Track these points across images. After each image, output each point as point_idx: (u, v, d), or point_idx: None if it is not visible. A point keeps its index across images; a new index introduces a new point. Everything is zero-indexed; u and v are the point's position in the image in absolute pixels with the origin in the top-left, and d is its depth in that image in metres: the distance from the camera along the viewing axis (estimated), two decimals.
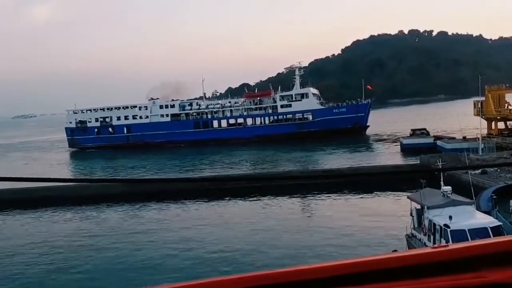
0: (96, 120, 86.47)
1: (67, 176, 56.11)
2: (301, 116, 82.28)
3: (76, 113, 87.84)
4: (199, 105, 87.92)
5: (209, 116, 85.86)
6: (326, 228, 27.40)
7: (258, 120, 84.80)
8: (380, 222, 27.27)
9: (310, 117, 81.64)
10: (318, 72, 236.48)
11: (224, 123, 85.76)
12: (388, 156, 55.89)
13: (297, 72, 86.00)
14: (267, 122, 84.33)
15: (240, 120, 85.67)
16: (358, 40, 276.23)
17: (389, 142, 69.77)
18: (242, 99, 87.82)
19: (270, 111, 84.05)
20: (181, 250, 24.91)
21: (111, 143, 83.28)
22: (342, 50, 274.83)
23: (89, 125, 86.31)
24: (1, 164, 74.78)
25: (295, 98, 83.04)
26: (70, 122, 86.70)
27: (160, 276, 20.89)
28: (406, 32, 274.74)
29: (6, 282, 21.93)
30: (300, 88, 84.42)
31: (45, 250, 26.35)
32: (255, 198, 36.42)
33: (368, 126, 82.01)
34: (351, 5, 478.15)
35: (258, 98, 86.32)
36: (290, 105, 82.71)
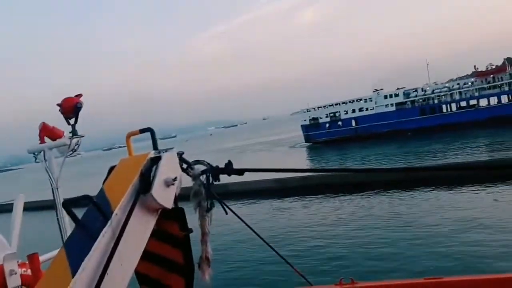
0: (326, 116, 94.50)
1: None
2: None
3: (309, 111, 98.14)
4: (425, 91, 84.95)
5: (436, 101, 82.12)
6: None
7: (493, 100, 76.22)
8: None
9: None
10: None
11: (453, 106, 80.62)
12: None
13: None
14: (504, 101, 74.91)
15: (472, 102, 78.75)
16: None
17: None
18: (473, 79, 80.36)
19: (506, 88, 74.38)
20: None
21: (341, 136, 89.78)
22: None
23: (320, 121, 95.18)
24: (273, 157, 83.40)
25: None
26: (305, 120, 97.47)
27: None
28: None
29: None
30: None
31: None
32: None
33: None
34: None
35: (491, 75, 77.35)
36: None
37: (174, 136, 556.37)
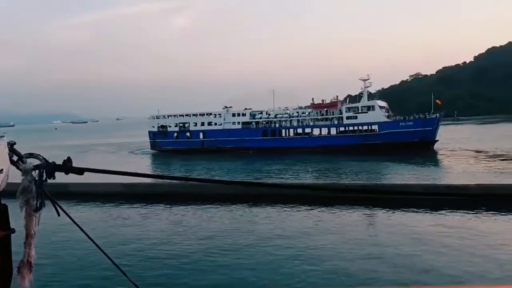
0: (176, 125, 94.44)
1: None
2: (367, 128, 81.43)
3: (158, 118, 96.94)
4: (269, 114, 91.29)
5: (277, 125, 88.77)
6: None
7: (324, 131, 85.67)
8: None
9: (376, 129, 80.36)
10: (446, 81, 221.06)
11: (291, 132, 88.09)
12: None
13: (364, 85, 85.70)
14: (333, 133, 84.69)
15: (307, 130, 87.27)
16: (493, 47, 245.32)
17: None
18: (310, 110, 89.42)
19: (336, 122, 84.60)
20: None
21: (187, 147, 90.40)
22: (475, 58, 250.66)
23: (169, 129, 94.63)
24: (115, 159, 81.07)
25: (361, 110, 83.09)
26: (153, 126, 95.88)
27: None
28: None
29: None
30: (368, 100, 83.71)
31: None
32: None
33: (437, 140, 78.23)
34: (486, 11, 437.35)
35: (325, 109, 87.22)
36: (356, 117, 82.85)
37: (13, 125, 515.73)
